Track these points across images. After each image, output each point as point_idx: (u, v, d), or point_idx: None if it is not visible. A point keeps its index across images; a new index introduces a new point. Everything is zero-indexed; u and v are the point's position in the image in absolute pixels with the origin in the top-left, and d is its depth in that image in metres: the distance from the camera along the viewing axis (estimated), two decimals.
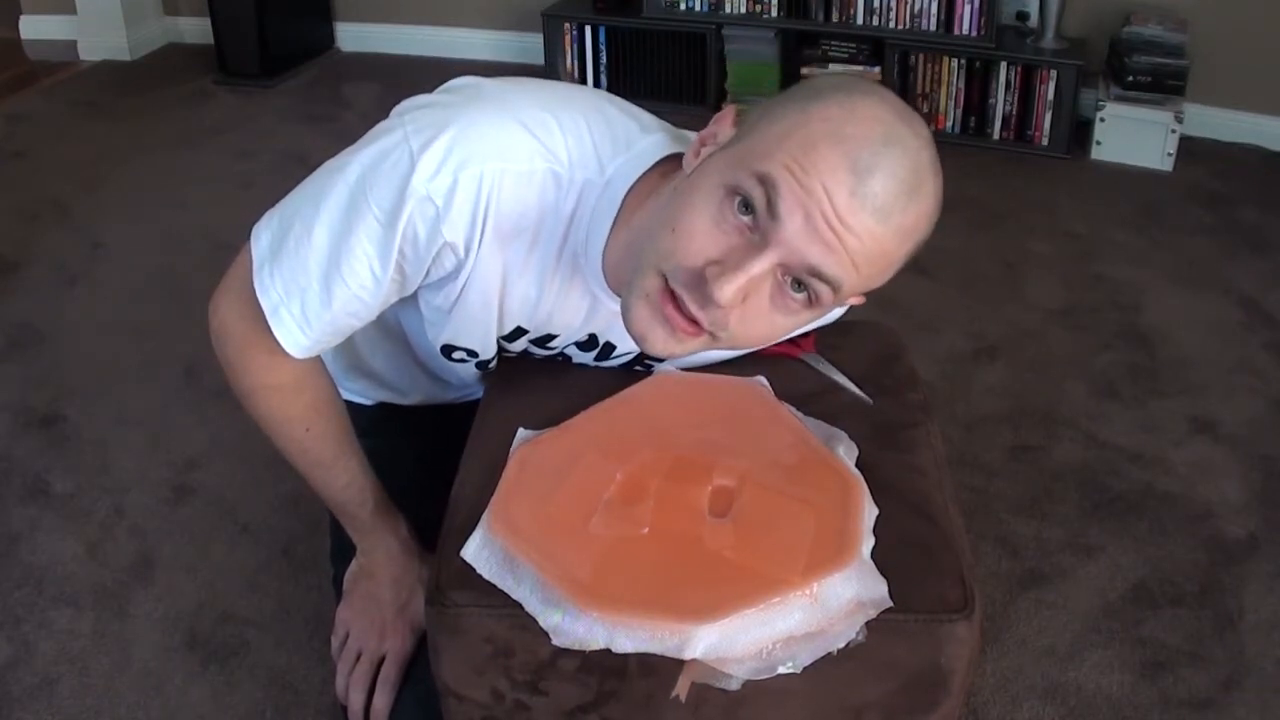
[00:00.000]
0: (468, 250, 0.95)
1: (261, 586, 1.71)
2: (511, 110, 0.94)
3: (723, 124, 0.90)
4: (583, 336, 1.09)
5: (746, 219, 0.84)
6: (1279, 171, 3.18)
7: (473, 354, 1.10)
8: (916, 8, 3.28)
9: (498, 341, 1.09)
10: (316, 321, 0.98)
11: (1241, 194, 3.03)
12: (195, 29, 4.11)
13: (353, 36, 4.10)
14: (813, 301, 0.86)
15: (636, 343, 0.91)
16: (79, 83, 3.84)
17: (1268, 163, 3.22)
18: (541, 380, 1.12)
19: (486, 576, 0.89)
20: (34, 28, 4.17)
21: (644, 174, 0.96)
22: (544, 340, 1.09)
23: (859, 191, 0.80)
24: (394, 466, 1.20)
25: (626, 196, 0.95)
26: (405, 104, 0.97)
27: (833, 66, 3.38)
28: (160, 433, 2.05)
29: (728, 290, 0.82)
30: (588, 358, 1.14)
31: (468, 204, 0.91)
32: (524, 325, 1.06)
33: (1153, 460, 2.00)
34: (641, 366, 1.15)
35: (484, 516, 0.93)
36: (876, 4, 3.31)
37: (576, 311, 1.04)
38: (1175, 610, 1.68)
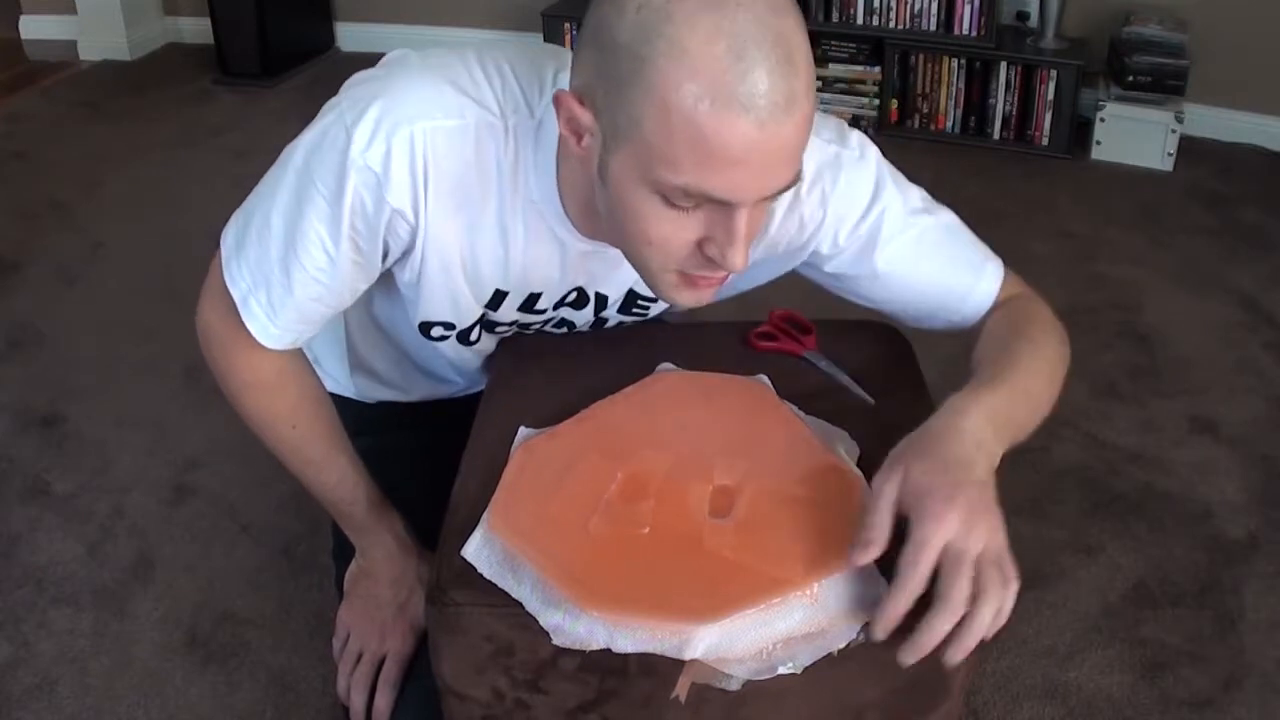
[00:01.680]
0: (416, 214, 0.96)
1: (261, 586, 1.71)
2: (436, 70, 0.96)
3: (572, 108, 0.86)
4: (569, 293, 1.09)
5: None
6: (1279, 172, 3.18)
7: (450, 327, 1.10)
8: (916, 8, 3.28)
9: (483, 311, 1.09)
10: (282, 308, 1.00)
11: (1241, 194, 3.02)
12: (195, 29, 4.11)
13: (353, 36, 4.10)
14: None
15: (679, 306, 0.97)
16: (79, 83, 3.84)
17: (1268, 163, 3.22)
18: (543, 378, 1.12)
19: (487, 575, 0.89)
20: (34, 28, 4.17)
21: None
22: (531, 304, 1.09)
23: (764, 119, 0.78)
24: (395, 465, 1.20)
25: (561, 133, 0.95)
26: (346, 83, 1.00)
27: (832, 66, 3.38)
28: (160, 433, 2.05)
29: (738, 260, 0.86)
30: (587, 315, 1.14)
31: (404, 166, 0.93)
32: (502, 287, 1.06)
33: (1153, 460, 2.00)
34: (638, 307, 1.15)
35: (484, 515, 0.93)
36: (876, 4, 3.31)
37: (549, 260, 1.04)
38: (1175, 610, 1.68)
